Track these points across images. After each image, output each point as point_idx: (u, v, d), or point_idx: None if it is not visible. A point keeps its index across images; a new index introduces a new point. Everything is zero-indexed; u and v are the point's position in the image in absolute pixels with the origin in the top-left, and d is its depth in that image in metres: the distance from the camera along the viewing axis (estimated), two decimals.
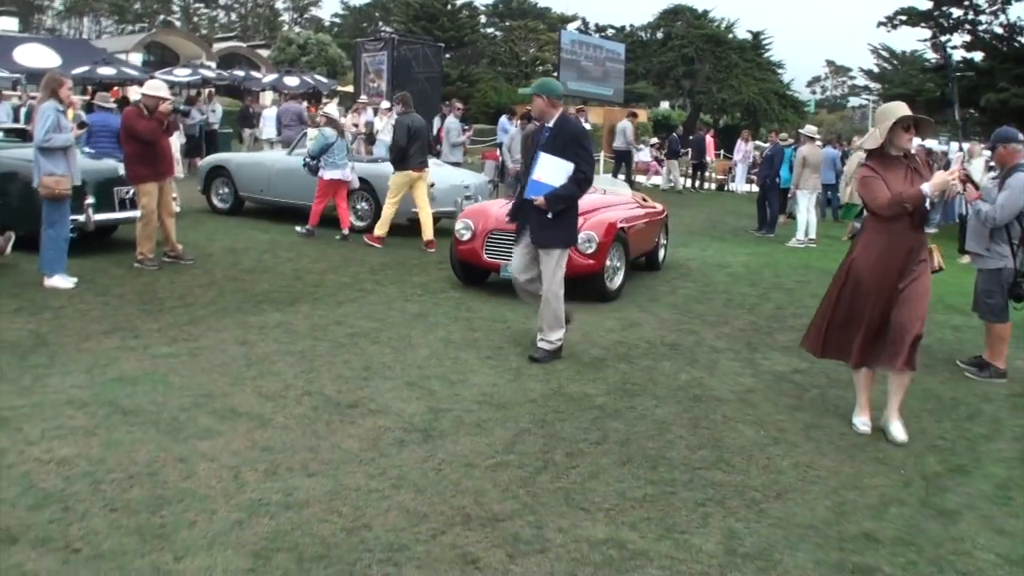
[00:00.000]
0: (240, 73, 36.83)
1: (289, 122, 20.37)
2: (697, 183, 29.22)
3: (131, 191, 10.49)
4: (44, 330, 7.22)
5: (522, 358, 7.18)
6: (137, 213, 10.19)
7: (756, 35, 51.15)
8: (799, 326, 8.85)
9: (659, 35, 51.84)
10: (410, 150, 11.97)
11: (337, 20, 79.65)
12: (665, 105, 55.21)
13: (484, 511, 4.30)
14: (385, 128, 19.79)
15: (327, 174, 12.61)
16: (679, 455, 5.24)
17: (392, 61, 30.54)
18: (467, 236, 9.68)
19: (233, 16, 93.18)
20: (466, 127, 20.56)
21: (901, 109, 5.69)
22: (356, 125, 19.35)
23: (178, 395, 5.75)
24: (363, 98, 25.72)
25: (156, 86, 10.36)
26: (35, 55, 29.49)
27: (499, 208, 9.70)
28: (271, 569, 3.63)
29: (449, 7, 56.90)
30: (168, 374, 6.15)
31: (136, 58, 41.51)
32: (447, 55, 51.39)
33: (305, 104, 26.56)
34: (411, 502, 4.35)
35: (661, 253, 12.35)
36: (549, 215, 7.00)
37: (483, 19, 67.53)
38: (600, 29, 60.34)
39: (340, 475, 4.63)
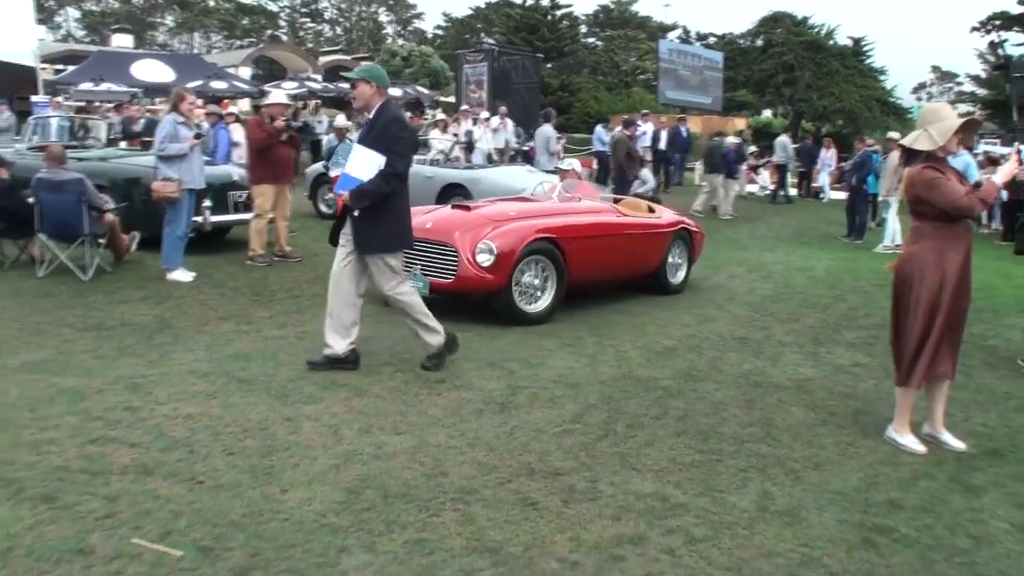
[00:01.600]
0: (345, 85, 38.07)
1: None
2: (801, 191, 29.07)
3: (244, 195, 11.49)
4: (168, 315, 8.15)
5: (599, 346, 7.80)
6: (249, 215, 11.14)
7: (857, 41, 50.77)
8: (868, 325, 9.24)
9: (759, 43, 51.78)
10: None
11: (439, 32, 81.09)
12: (767, 113, 55.05)
13: (547, 467, 4.94)
14: (483, 137, 20.63)
15: (333, 172, 14.21)
16: (730, 430, 5.77)
17: (492, 72, 31.48)
18: None
19: (338, 30, 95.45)
20: (560, 136, 21.22)
21: (950, 111, 5.74)
22: (456, 135, 20.18)
23: (287, 369, 6.57)
24: (465, 107, 26.64)
25: (275, 96, 11.43)
26: (151, 70, 31.16)
27: (426, 214, 9.12)
28: (360, 501, 4.35)
29: (550, 18, 57.67)
30: (278, 352, 6.96)
31: (245, 72, 43.15)
32: (548, 65, 52.13)
33: (408, 115, 27.44)
34: (484, 457, 5.03)
35: (679, 274, 10.83)
36: (355, 213, 6.42)
37: (584, 29, 68.16)
38: (701, 38, 60.61)
39: (424, 434, 5.34)
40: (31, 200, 9.55)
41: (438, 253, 8.45)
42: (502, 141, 21.59)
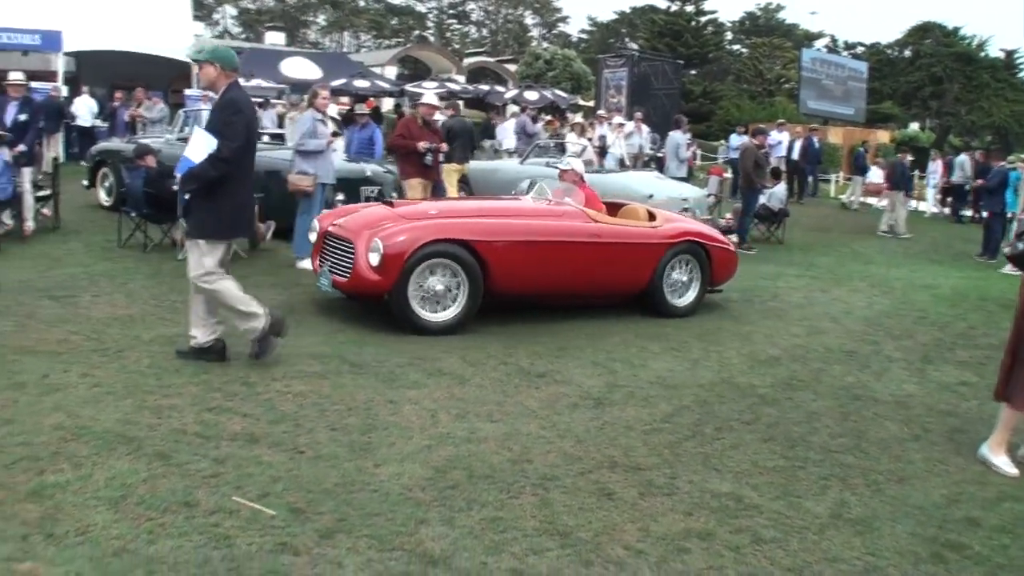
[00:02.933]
0: (485, 87, 38.75)
1: (517, 133, 21.69)
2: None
3: (376, 190, 12.06)
4: (293, 300, 8.70)
5: (703, 351, 7.92)
6: None
7: (1010, 54, 48.83)
8: (984, 344, 9.07)
9: (907, 53, 50.37)
10: (452, 147, 13.49)
11: (584, 36, 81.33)
12: (913, 126, 53.50)
13: (630, 461, 5.15)
14: (615, 142, 20.79)
15: None
16: (819, 440, 5.85)
17: (632, 77, 31.61)
18: (312, 238, 8.76)
19: (484, 31, 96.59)
20: (690, 142, 21.25)
21: None
22: (591, 139, 20.41)
23: (396, 356, 6.95)
24: (601, 112, 26.86)
25: (427, 97, 12.06)
26: (298, 68, 32.27)
27: (353, 211, 8.93)
28: (446, 480, 4.66)
29: (694, 23, 57.29)
30: (391, 341, 7.35)
31: (391, 71, 44.17)
32: (691, 72, 51.90)
33: (549, 118, 27.80)
34: (570, 448, 5.27)
35: (687, 295, 9.50)
36: (186, 196, 6.39)
37: (728, 36, 67.45)
38: (849, 47, 59.25)
39: (517, 424, 5.63)
40: (175, 187, 10.17)
41: (343, 250, 8.08)
42: (636, 146, 21.68)
